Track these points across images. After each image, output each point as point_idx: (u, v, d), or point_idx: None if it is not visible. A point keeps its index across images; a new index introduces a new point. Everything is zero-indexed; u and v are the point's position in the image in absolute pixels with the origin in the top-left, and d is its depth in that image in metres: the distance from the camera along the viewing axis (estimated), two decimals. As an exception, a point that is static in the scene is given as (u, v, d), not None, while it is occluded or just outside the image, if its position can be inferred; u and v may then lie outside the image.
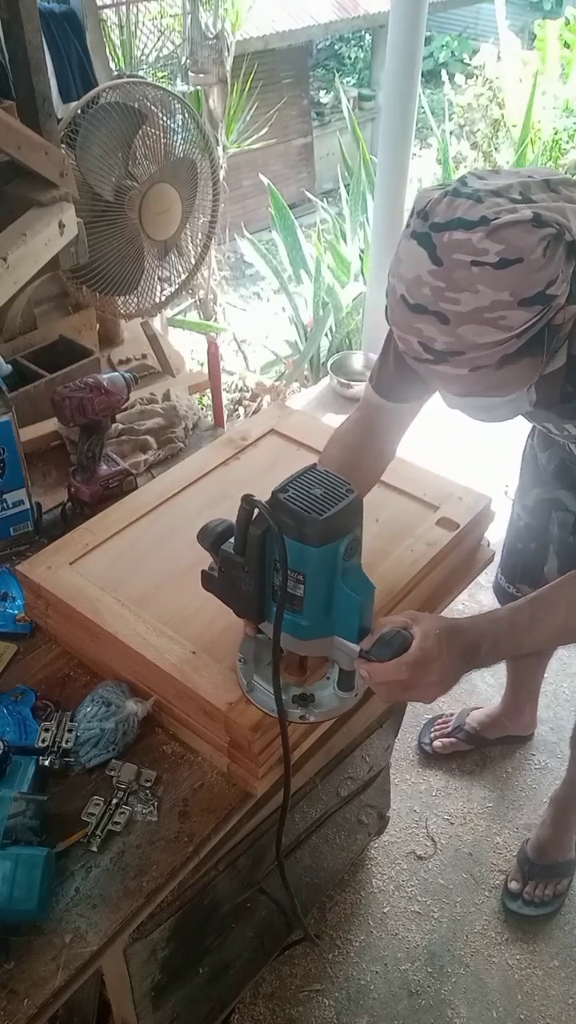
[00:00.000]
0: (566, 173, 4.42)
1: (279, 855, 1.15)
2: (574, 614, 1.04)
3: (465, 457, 2.84)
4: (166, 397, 1.84)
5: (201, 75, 3.83)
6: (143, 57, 4.18)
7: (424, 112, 4.93)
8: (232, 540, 0.98)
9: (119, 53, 3.97)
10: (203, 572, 1.04)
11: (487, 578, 1.79)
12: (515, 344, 0.89)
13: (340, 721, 1.22)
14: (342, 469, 1.18)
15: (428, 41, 9.18)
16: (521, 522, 1.64)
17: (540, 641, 1.10)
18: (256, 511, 0.92)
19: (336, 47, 10.38)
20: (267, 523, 0.90)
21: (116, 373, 1.52)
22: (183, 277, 2.13)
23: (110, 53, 3.69)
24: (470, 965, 1.75)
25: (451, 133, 4.85)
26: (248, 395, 3.94)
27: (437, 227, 0.89)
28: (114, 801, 1.06)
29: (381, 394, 1.22)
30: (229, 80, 3.92)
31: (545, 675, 2.04)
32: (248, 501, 0.92)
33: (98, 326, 2.07)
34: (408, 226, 0.93)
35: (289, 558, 0.90)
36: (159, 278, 2.06)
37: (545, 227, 0.86)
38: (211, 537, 1.00)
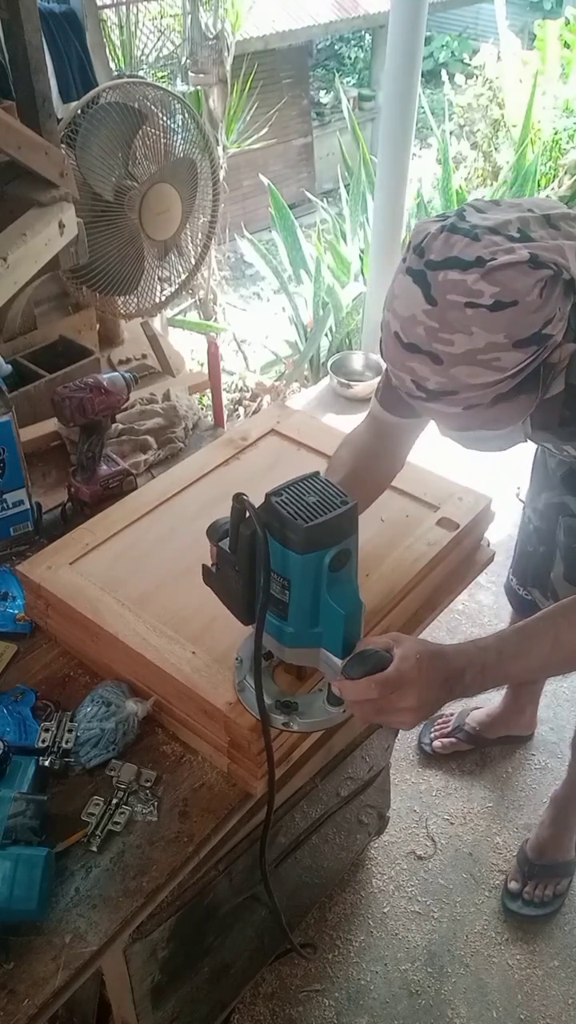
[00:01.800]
0: (566, 174, 4.44)
1: (263, 869, 1.14)
2: (559, 650, 1.03)
3: (474, 457, 2.84)
4: (166, 397, 1.84)
5: (201, 75, 3.83)
6: (143, 57, 4.18)
7: (424, 112, 4.92)
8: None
9: (119, 53, 3.97)
10: (204, 566, 1.04)
11: (487, 578, 1.79)
12: (509, 384, 0.89)
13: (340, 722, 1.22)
14: (353, 472, 1.18)
15: (428, 41, 9.19)
16: (531, 525, 1.64)
17: (526, 671, 1.09)
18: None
19: (336, 47, 10.38)
20: (254, 524, 0.90)
21: (116, 373, 1.52)
22: (183, 277, 2.13)
23: (110, 53, 3.69)
24: (470, 965, 1.75)
25: (451, 133, 4.84)
26: (248, 395, 3.93)
27: (432, 265, 0.88)
28: (114, 801, 1.06)
29: (387, 409, 1.22)
30: (229, 80, 3.92)
31: (545, 675, 2.04)
32: (239, 500, 0.92)
33: (98, 326, 2.06)
34: (404, 260, 0.92)
35: (273, 562, 0.90)
36: (159, 278, 2.05)
37: (542, 268, 0.86)
38: (218, 533, 1.00)
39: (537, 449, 1.59)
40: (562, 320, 0.89)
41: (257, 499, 0.93)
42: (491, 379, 0.88)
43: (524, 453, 1.62)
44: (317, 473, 0.95)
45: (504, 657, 1.01)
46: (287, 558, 0.90)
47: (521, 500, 1.69)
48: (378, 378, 1.34)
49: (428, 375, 0.89)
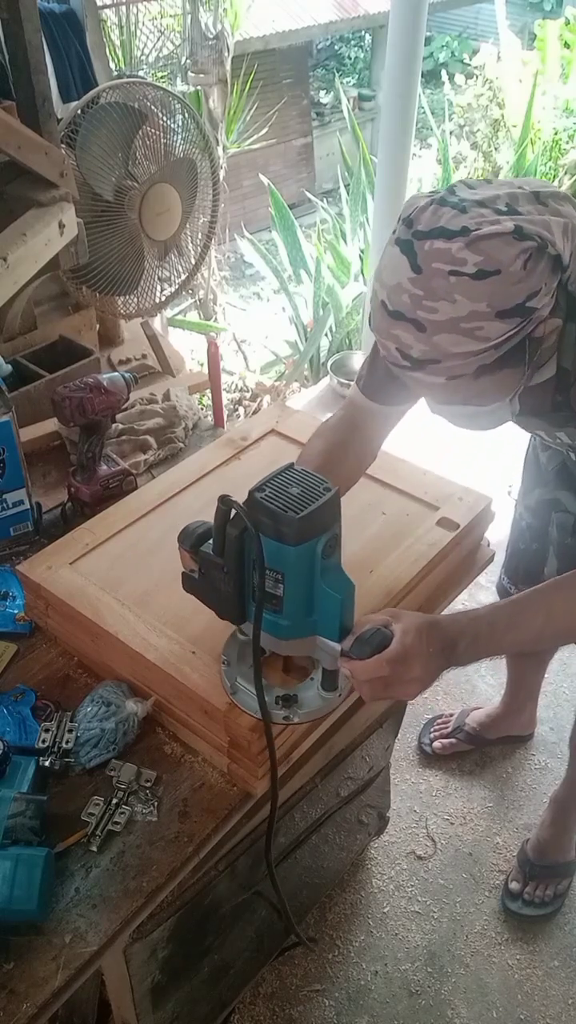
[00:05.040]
0: (566, 174, 4.44)
1: (269, 864, 1.14)
2: (552, 623, 1.04)
3: (466, 457, 2.84)
4: (166, 397, 1.84)
5: (201, 75, 3.83)
6: (143, 57, 4.18)
7: (424, 112, 4.92)
8: (212, 542, 0.98)
9: (119, 53, 3.97)
10: (183, 574, 1.04)
11: (487, 578, 1.79)
12: (493, 355, 0.90)
13: (340, 721, 1.22)
14: (324, 464, 1.18)
15: (428, 41, 9.19)
16: (523, 522, 1.65)
17: (518, 643, 1.10)
18: (233, 511, 0.92)
19: (336, 47, 10.38)
20: (244, 523, 0.90)
21: (116, 373, 1.52)
22: (183, 277, 2.13)
23: (110, 53, 3.69)
24: (470, 965, 1.75)
25: (451, 133, 4.84)
26: (248, 395, 3.94)
27: (419, 235, 0.90)
28: (114, 801, 1.06)
29: (368, 396, 1.22)
30: (229, 80, 3.92)
31: (545, 675, 2.04)
32: (224, 501, 0.92)
33: (98, 326, 2.07)
34: (394, 232, 0.94)
35: (267, 557, 0.90)
36: (159, 278, 2.06)
37: (526, 240, 0.87)
38: (191, 539, 1.01)
39: (528, 446, 1.59)
40: (548, 295, 0.90)
41: (236, 499, 0.93)
42: (474, 348, 0.88)
43: (519, 451, 1.63)
44: (292, 464, 0.96)
45: (496, 628, 1.03)
46: (281, 552, 0.90)
47: (513, 498, 1.69)
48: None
49: (412, 343, 0.90)
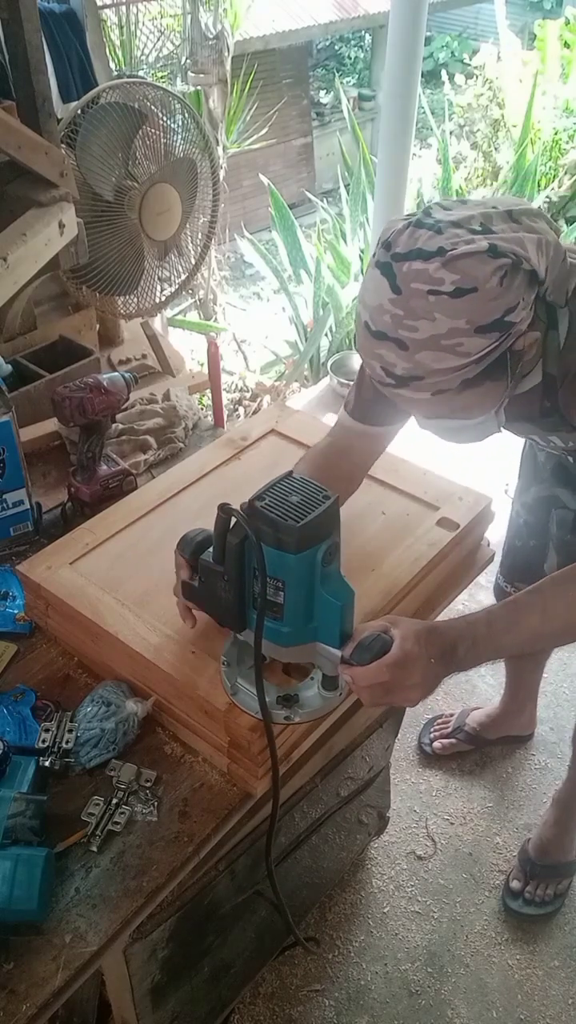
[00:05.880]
0: (566, 174, 4.44)
1: (269, 864, 1.14)
2: (548, 622, 1.05)
3: (465, 457, 2.84)
4: (166, 397, 1.84)
5: (201, 75, 3.83)
6: (143, 57, 4.18)
7: (424, 112, 4.92)
8: (211, 550, 0.98)
9: (119, 53, 3.97)
10: (183, 583, 1.05)
11: (487, 578, 1.79)
12: (475, 369, 0.93)
13: (340, 721, 1.23)
14: None
15: (428, 41, 9.19)
16: (520, 520, 1.65)
17: (517, 644, 1.11)
18: (233, 520, 0.92)
19: (336, 47, 10.38)
20: (245, 531, 0.90)
21: (116, 373, 1.52)
22: (183, 277, 2.13)
23: (110, 53, 3.69)
24: (470, 965, 1.75)
25: (451, 133, 4.85)
26: (248, 395, 3.94)
27: (398, 257, 0.92)
28: (114, 801, 1.06)
29: (357, 418, 1.24)
30: (229, 80, 3.92)
31: (545, 675, 2.04)
32: (224, 510, 0.93)
33: (98, 326, 2.07)
34: (374, 255, 0.96)
35: (268, 566, 0.91)
36: (159, 278, 2.06)
37: (501, 257, 0.90)
38: (191, 547, 1.01)
39: (525, 444, 1.60)
40: (525, 309, 0.93)
41: (236, 508, 0.93)
42: (455, 364, 0.91)
43: (515, 450, 1.63)
44: (291, 473, 0.97)
45: (494, 630, 1.03)
46: (282, 560, 0.91)
47: (510, 497, 1.69)
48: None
49: (395, 361, 0.93)
